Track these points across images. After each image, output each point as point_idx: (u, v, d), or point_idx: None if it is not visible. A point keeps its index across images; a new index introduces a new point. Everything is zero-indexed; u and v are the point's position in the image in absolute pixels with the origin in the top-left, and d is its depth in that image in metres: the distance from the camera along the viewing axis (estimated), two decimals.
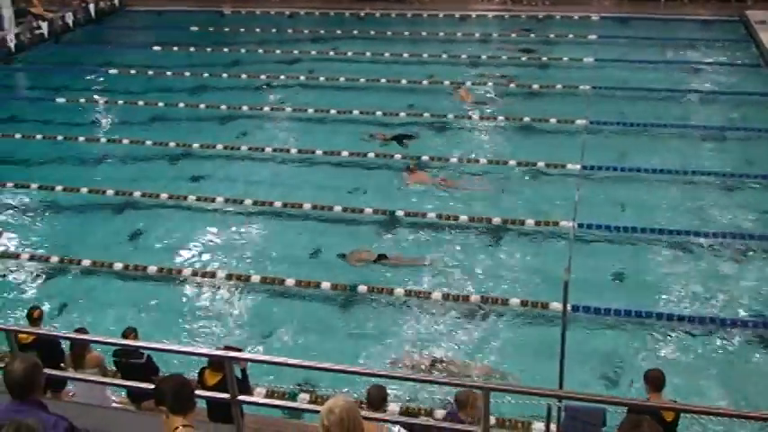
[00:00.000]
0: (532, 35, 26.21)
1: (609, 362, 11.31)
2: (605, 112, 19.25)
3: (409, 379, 8.46)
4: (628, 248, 14.11)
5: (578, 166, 15.76)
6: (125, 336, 9.38)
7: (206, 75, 23.60)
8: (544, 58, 23.82)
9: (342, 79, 22.63)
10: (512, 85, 21.68)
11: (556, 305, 11.99)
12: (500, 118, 19.66)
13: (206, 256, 14.33)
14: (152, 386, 7.89)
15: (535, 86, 21.54)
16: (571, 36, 25.82)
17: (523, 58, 24.14)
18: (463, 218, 15.05)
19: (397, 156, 17.58)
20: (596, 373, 11.02)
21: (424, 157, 17.46)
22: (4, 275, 13.99)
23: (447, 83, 22.09)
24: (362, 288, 12.98)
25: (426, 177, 16.91)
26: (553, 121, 19.14)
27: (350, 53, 25.10)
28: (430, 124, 19.64)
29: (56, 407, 5.34)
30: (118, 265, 13.89)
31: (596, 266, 13.33)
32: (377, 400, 7.39)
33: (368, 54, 24.86)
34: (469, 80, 22.21)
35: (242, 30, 28.46)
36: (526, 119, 19.38)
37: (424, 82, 22.22)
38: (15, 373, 4.99)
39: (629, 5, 28.97)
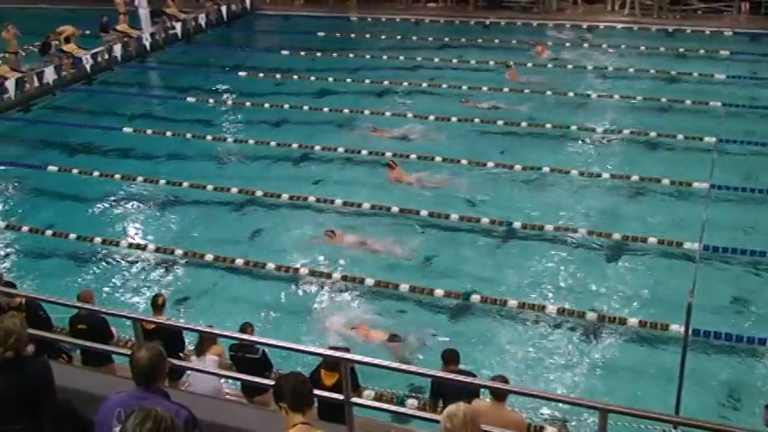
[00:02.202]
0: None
1: (729, 389, 10.90)
2: (735, 130, 18.56)
3: (523, 393, 8.27)
4: (753, 273, 13.56)
5: (706, 185, 15.27)
6: (243, 330, 9.62)
7: (330, 79, 23.98)
8: (673, 72, 23.15)
9: (464, 87, 22.58)
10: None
11: (676, 327, 11.61)
12: (625, 132, 19.23)
13: (323, 257, 14.54)
14: (263, 380, 8.13)
15: (663, 101, 20.97)
16: (702, 51, 25.02)
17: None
18: (582, 231, 14.80)
19: (517, 167, 17.42)
20: (715, 400, 10.64)
21: (545, 169, 17.24)
22: (132, 265, 14.59)
23: (571, 94, 21.80)
24: (476, 297, 12.92)
25: (405, 176, 17.20)
26: (680, 137, 18.57)
27: (473, 61, 25.05)
28: (551, 136, 19.40)
29: (173, 396, 5.50)
30: (239, 261, 14.29)
31: (720, 290, 12.86)
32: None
33: (491, 63, 24.75)
34: (595, 92, 21.90)
35: (367, 36, 28.85)
36: (652, 134, 18.88)
37: (548, 92, 21.96)
38: (141, 361, 5.10)
39: (764, 21, 27.86)
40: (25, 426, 5.83)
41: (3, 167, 18.95)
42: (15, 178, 18.41)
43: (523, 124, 19.77)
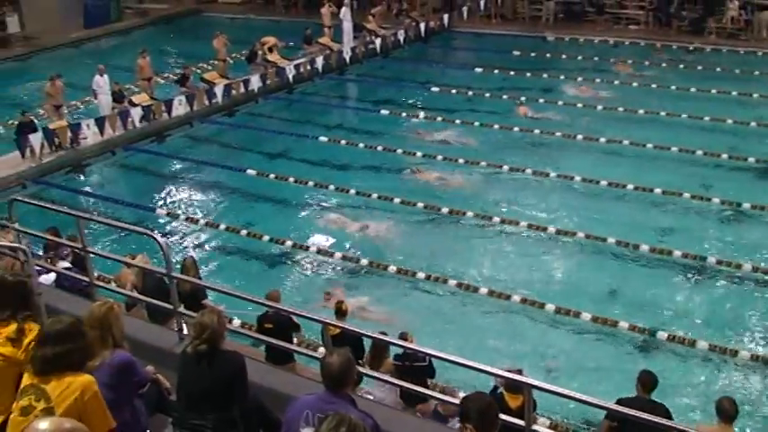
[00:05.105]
0: None
1: None
2: None
3: None
4: None
5: None
6: (402, 338, 9.71)
7: (523, 98, 23.70)
8: None
9: (662, 114, 21.81)
10: None
11: None
12: None
13: (503, 277, 14.43)
14: (427, 391, 8.13)
15: None
16: None
17: None
18: (747, 267, 14.02)
19: (716, 200, 16.60)
20: None
21: (746, 205, 16.34)
22: (318, 270, 15.04)
23: None
24: (662, 334, 12.38)
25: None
26: None
27: (673, 87, 24.13)
28: (755, 170, 18.38)
29: None
30: (420, 275, 14.37)
31: None
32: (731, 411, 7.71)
33: (692, 90, 23.77)
34: None
35: (563, 56, 28.45)
36: None
37: (752, 123, 20.82)
38: (332, 366, 5.21)
39: None
40: (218, 418, 6.11)
41: (206, 168, 20.10)
42: (216, 179, 19.45)
43: (724, 156, 18.82)
